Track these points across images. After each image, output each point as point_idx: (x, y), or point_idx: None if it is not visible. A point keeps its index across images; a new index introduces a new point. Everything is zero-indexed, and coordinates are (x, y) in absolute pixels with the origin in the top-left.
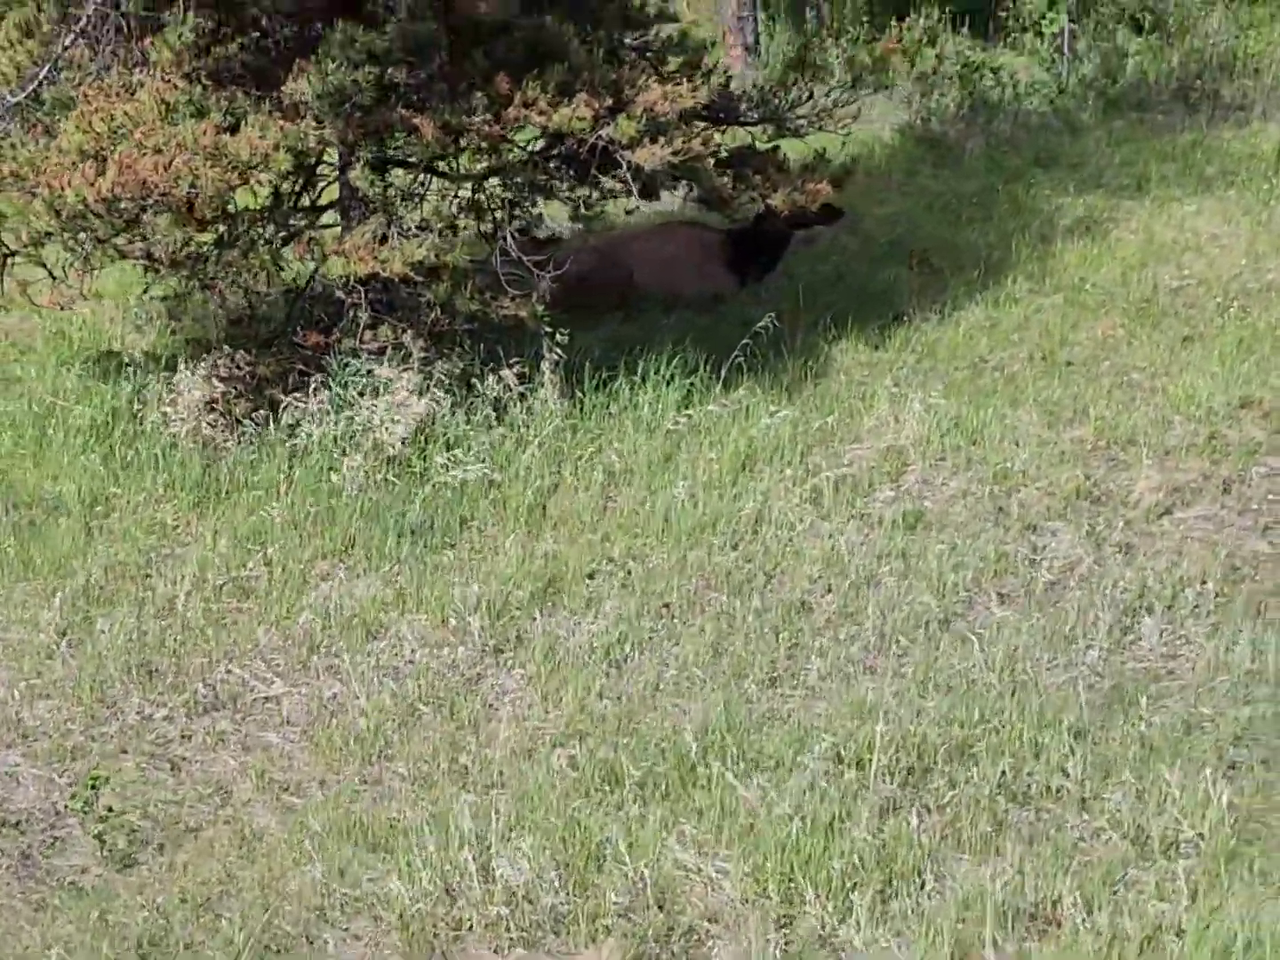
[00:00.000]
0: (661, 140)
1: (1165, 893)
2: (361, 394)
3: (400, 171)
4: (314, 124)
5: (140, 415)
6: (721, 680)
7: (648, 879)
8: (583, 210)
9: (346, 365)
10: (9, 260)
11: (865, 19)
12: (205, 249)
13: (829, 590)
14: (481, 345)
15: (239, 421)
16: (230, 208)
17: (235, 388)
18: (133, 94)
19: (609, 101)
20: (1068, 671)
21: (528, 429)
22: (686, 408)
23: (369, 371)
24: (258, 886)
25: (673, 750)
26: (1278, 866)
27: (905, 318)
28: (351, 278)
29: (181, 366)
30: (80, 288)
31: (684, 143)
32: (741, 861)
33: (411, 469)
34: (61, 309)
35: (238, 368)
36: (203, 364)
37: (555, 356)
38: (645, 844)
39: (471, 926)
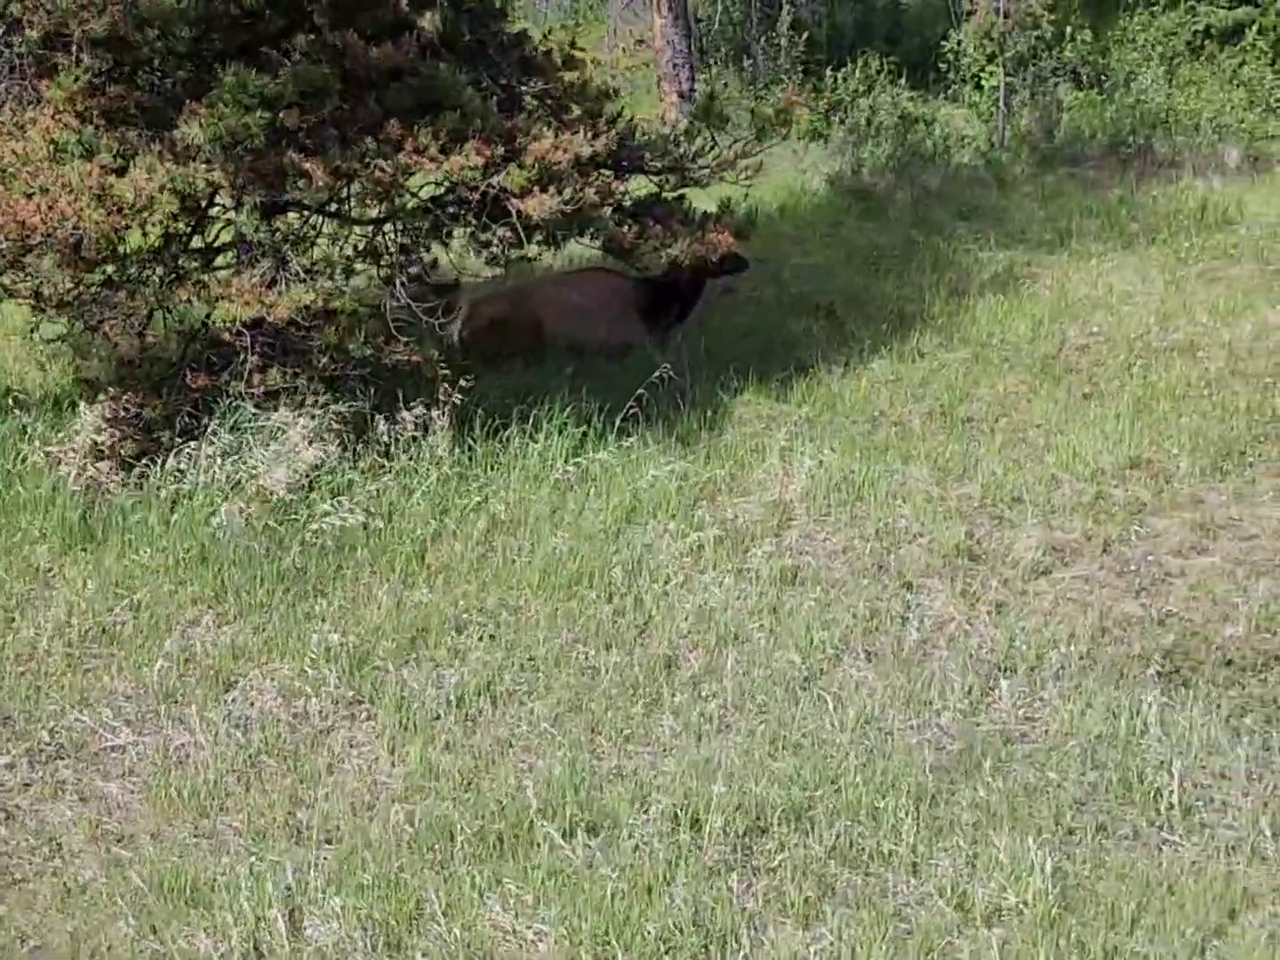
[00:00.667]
0: (552, 190)
1: None
2: (248, 439)
3: (292, 216)
4: (204, 167)
5: (24, 456)
6: (574, 737)
7: (459, 939)
8: (499, 256)
9: (237, 409)
10: None
11: (801, 68)
12: (93, 290)
13: (695, 646)
14: (377, 390)
15: (126, 464)
16: (120, 249)
17: (123, 430)
18: (24, 132)
19: (501, 149)
20: (920, 733)
21: (414, 476)
22: (577, 456)
23: (254, 416)
24: (71, 940)
25: (511, 808)
26: (1094, 935)
27: (809, 370)
28: (238, 321)
29: (69, 408)
30: None
31: (575, 192)
32: (559, 924)
33: (294, 516)
34: None
35: (125, 410)
36: (94, 406)
37: (453, 401)
38: (465, 904)
39: None
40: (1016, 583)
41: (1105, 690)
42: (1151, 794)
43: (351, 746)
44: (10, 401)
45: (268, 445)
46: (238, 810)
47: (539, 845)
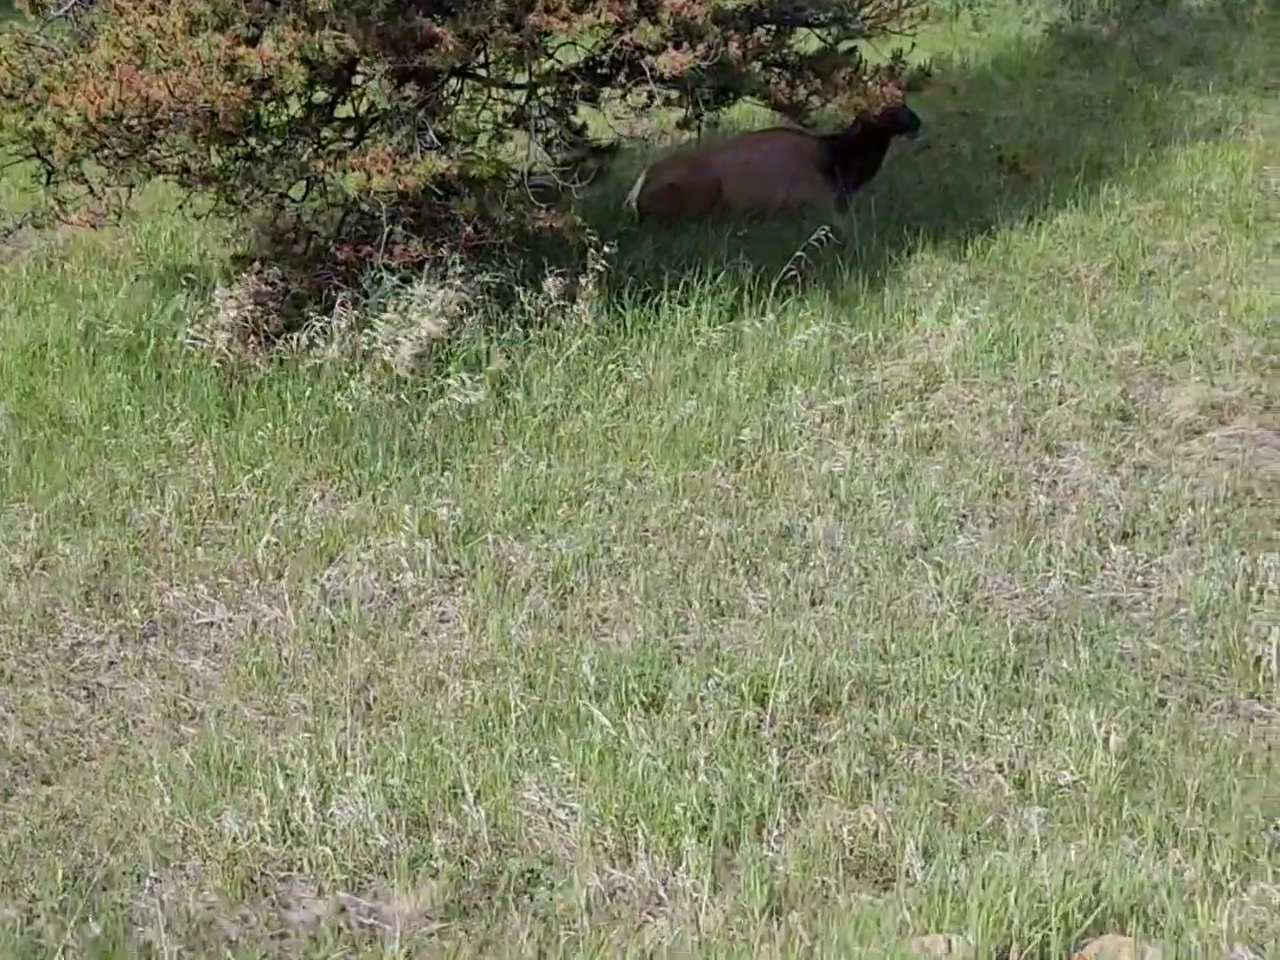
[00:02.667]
0: (685, 45)
1: (1014, 841)
2: (386, 311)
3: (425, 83)
4: (332, 34)
5: (175, 333)
6: (665, 610)
7: (484, 820)
8: (696, 117)
9: (380, 281)
10: (52, 177)
11: None
12: (236, 164)
13: (816, 514)
14: (523, 260)
15: (270, 340)
16: (267, 121)
17: (269, 305)
18: (166, 4)
19: (635, 5)
20: (1024, 601)
21: (555, 346)
22: (730, 321)
23: (394, 289)
24: (111, 821)
25: (570, 684)
26: (1150, 813)
27: (990, 226)
28: (372, 192)
29: (218, 283)
30: (119, 204)
31: (711, 48)
32: (590, 803)
33: (425, 389)
34: (93, 226)
35: (272, 285)
36: (241, 280)
37: (598, 269)
38: (500, 784)
39: (302, 867)
40: (1166, 444)
41: (1229, 555)
42: (1252, 663)
43: (441, 621)
44: (167, 281)
45: (405, 317)
46: (309, 687)
47: (586, 723)
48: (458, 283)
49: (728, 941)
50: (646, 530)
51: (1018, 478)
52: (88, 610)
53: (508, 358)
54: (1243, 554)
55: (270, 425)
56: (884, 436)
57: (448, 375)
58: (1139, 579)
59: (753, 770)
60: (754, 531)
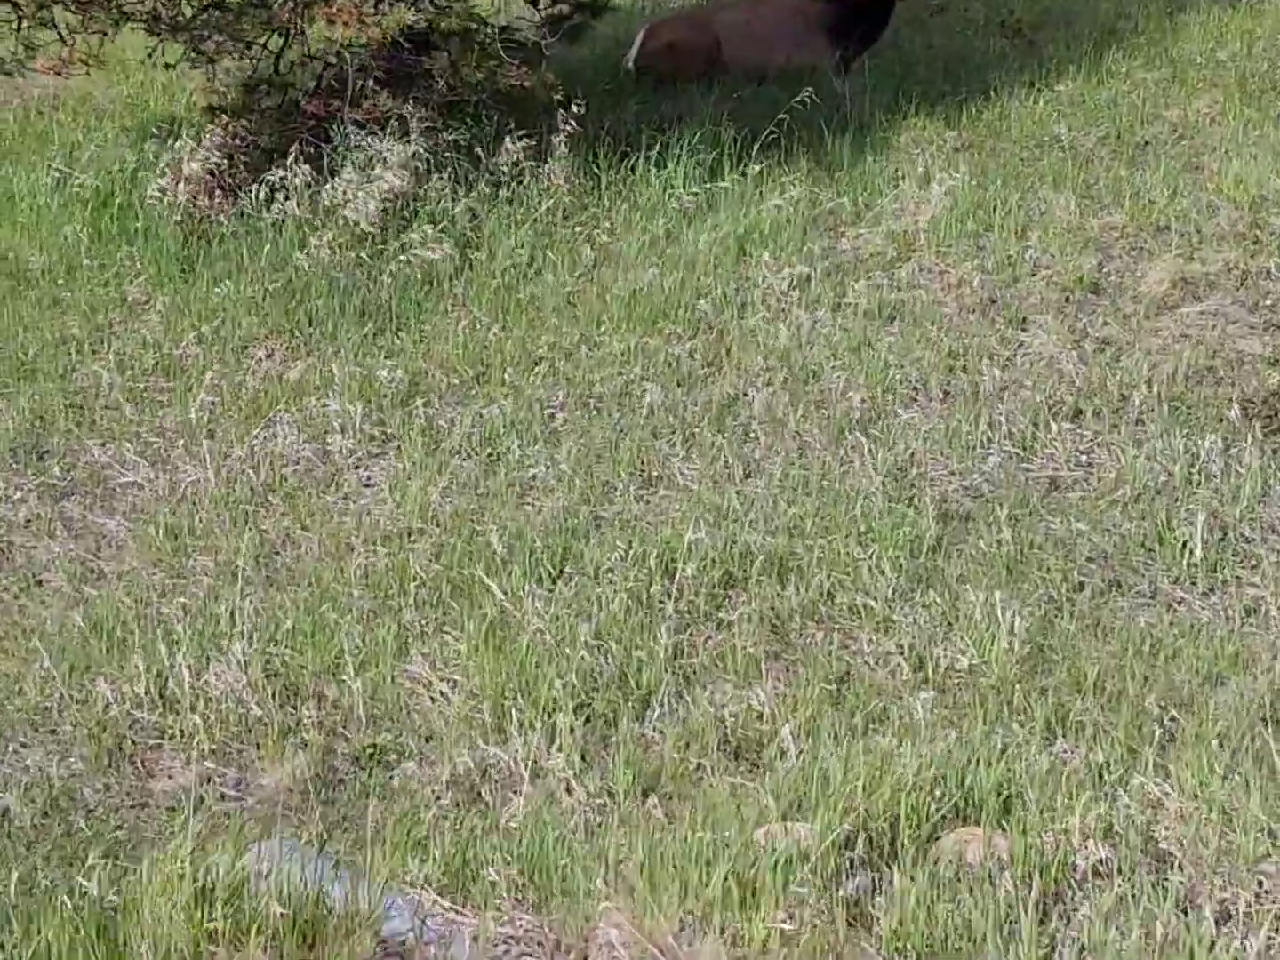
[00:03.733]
0: None
1: (898, 728)
2: (349, 167)
3: None
4: None
5: (141, 185)
6: (592, 480)
7: (361, 692)
8: None
9: (347, 136)
10: (22, 24)
11: None
12: (205, 13)
13: (765, 385)
14: (495, 119)
15: (234, 194)
16: None
17: (236, 158)
18: None
19: None
20: (960, 479)
21: (523, 206)
22: (709, 183)
23: (359, 144)
24: None
25: (476, 556)
26: (1045, 701)
27: (989, 93)
28: (338, 43)
29: (184, 135)
30: (88, 52)
31: None
32: (473, 677)
33: (386, 247)
34: (58, 74)
35: (239, 138)
36: (208, 133)
37: (568, 129)
38: (385, 656)
39: (174, 735)
40: (1135, 319)
41: (1175, 435)
42: (1179, 548)
43: (365, 486)
44: (148, 133)
45: (367, 173)
46: (218, 550)
47: (489, 596)
48: (421, 139)
49: (584, 822)
50: (590, 397)
51: (975, 351)
52: (13, 467)
53: (473, 216)
54: (1189, 435)
55: (227, 282)
56: (847, 306)
57: (411, 232)
58: (1082, 458)
59: (645, 647)
60: (698, 401)
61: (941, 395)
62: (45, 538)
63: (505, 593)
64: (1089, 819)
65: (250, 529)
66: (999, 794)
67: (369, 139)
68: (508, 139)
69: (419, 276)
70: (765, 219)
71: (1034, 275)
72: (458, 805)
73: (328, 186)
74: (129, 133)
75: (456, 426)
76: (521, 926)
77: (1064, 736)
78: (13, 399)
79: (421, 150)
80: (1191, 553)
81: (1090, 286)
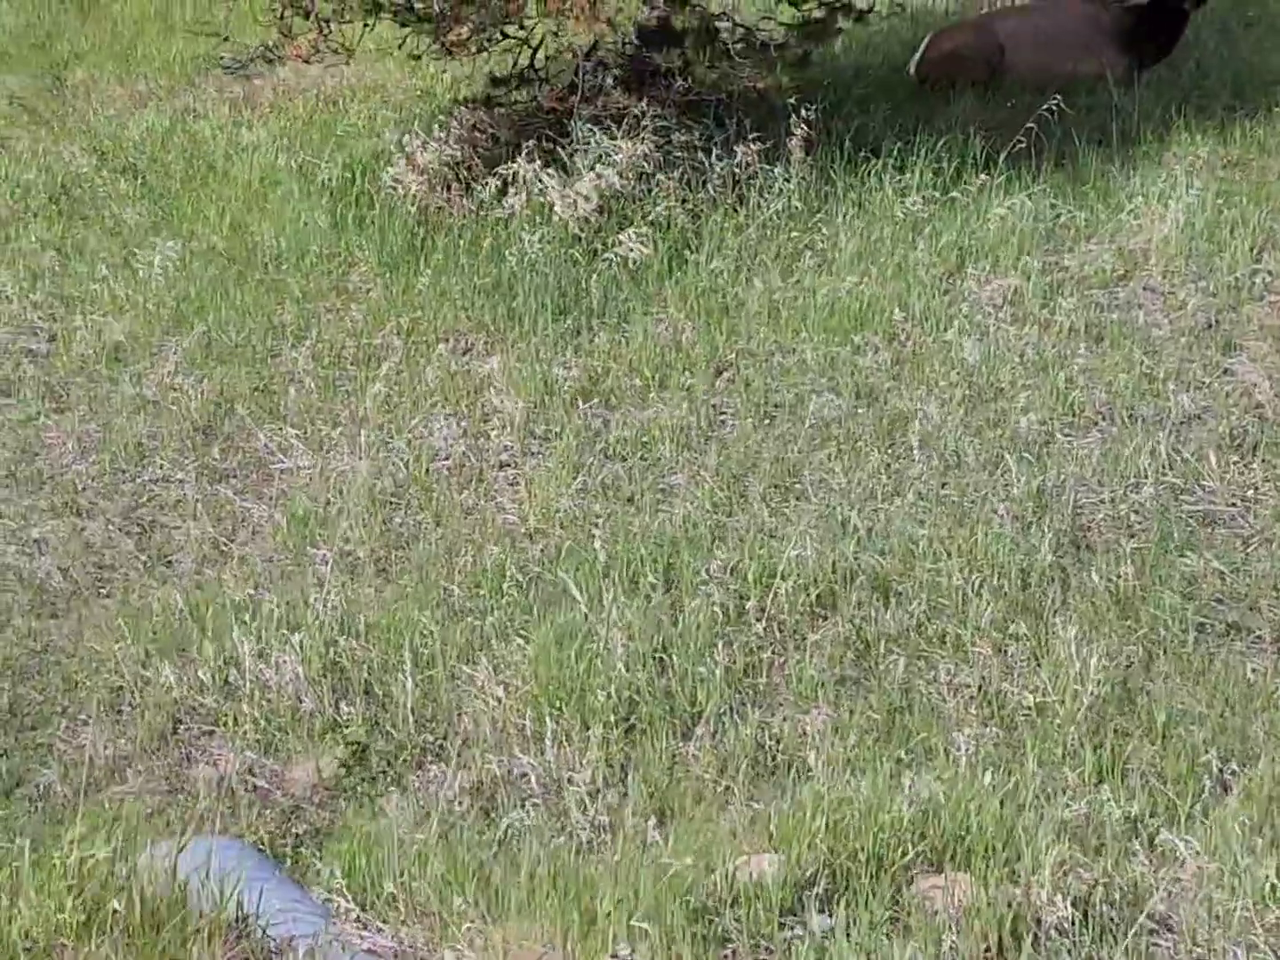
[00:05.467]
0: None
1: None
2: (576, 164)
3: None
4: None
5: (379, 175)
6: (735, 490)
7: (411, 691)
8: None
9: (582, 134)
10: (284, 13)
11: None
12: (451, 6)
13: (944, 402)
14: (730, 120)
15: (469, 188)
16: None
17: (475, 150)
18: None
19: None
20: (1107, 508)
21: (748, 211)
22: (943, 194)
23: (586, 140)
24: (83, 659)
25: (582, 561)
26: (1103, 741)
27: (1276, 109)
28: (574, 37)
29: (419, 126)
30: (340, 41)
31: None
32: (529, 684)
33: (597, 245)
34: (306, 61)
35: (481, 131)
36: (449, 125)
37: (799, 133)
38: (449, 655)
39: (226, 723)
40: None
41: None
42: None
43: (510, 485)
44: (381, 120)
45: (590, 169)
46: (345, 540)
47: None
48: (652, 137)
49: (579, 841)
50: (766, 406)
51: (1174, 377)
52: (183, 448)
53: (694, 218)
54: None
55: (446, 275)
56: (1054, 324)
57: (626, 231)
58: (1248, 494)
59: (707, 664)
60: (871, 416)
61: (1124, 421)
62: (188, 519)
63: (589, 599)
64: (1058, 874)
65: (380, 521)
66: (997, 842)
67: (601, 137)
68: (741, 141)
69: (627, 276)
70: (991, 230)
71: (1260, 300)
72: (464, 814)
73: (553, 183)
74: (402, 124)
75: (613, 429)
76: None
77: (1109, 783)
78: (208, 380)
79: (651, 149)
80: None
81: None
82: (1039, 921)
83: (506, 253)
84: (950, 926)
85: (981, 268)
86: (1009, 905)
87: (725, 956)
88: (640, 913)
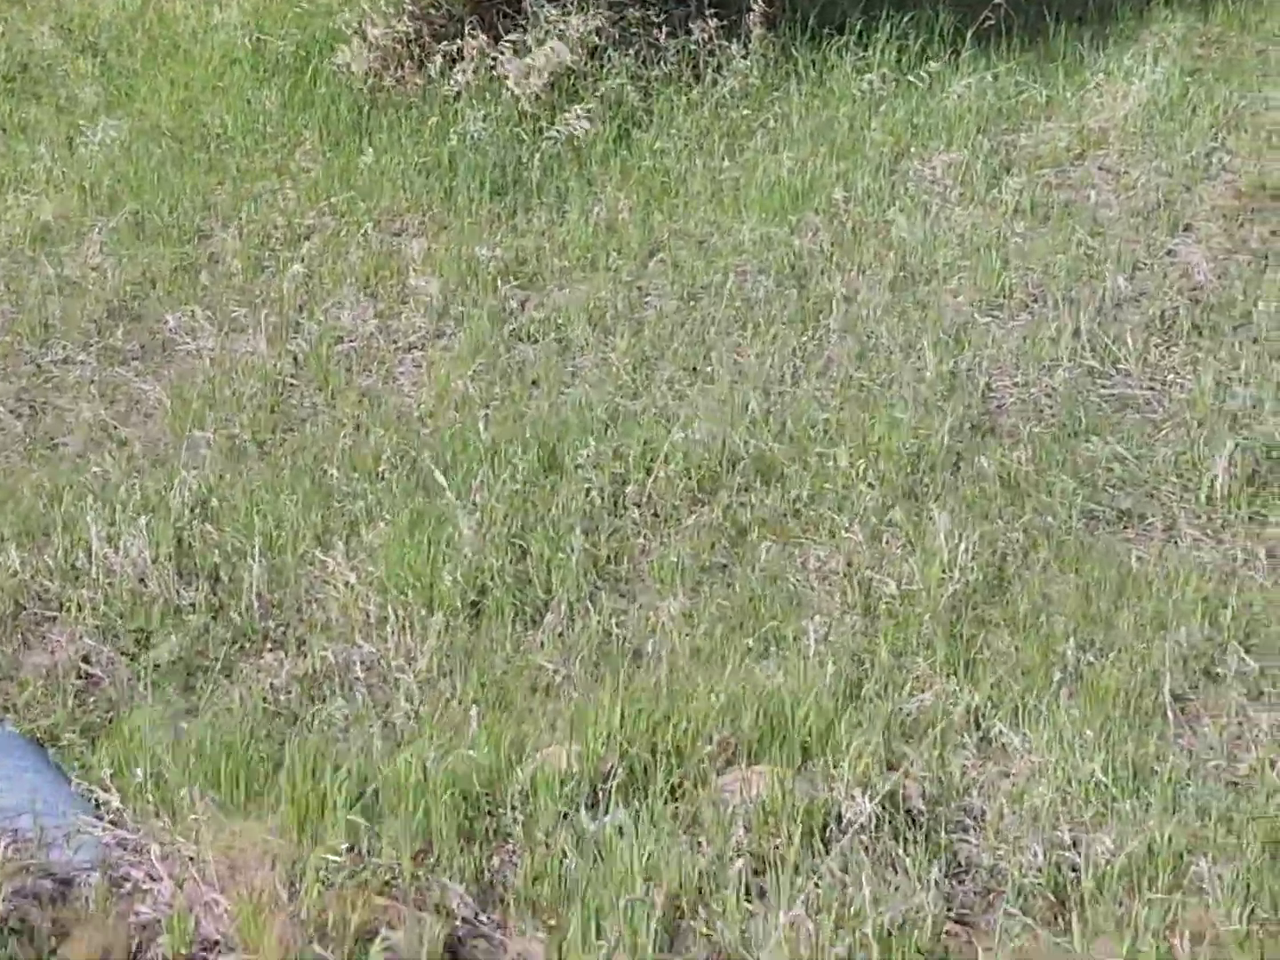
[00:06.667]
0: None
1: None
2: (528, 41)
3: None
4: None
5: (334, 50)
6: (642, 373)
7: (259, 577)
8: None
9: (541, 7)
10: None
11: None
12: None
13: (874, 285)
14: None
15: (421, 65)
16: None
17: (426, 26)
18: None
19: None
20: (1019, 392)
21: (700, 86)
22: (904, 71)
23: (539, 13)
24: None
25: (466, 445)
26: (962, 629)
27: None
28: None
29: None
30: None
31: None
32: (380, 570)
33: (544, 123)
34: None
35: (434, 6)
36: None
37: (757, 7)
38: (303, 540)
39: (70, 608)
40: None
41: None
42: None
43: (416, 367)
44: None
45: (542, 45)
46: (227, 424)
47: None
48: (605, 12)
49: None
50: (695, 288)
51: (1114, 258)
52: (90, 330)
53: (645, 96)
54: None
55: (389, 155)
56: (1001, 203)
57: (573, 108)
58: (1169, 377)
59: (565, 551)
60: (799, 298)
61: (1056, 303)
62: (83, 401)
63: (459, 483)
64: (870, 768)
65: (272, 403)
66: (813, 736)
67: (553, 11)
68: (700, 18)
69: (571, 155)
70: (948, 107)
71: (1215, 180)
72: (290, 704)
73: (505, 58)
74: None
75: (530, 310)
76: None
77: (957, 675)
78: (130, 261)
79: (605, 24)
80: (1213, 486)
81: (1275, 193)
82: (840, 818)
83: (451, 131)
84: (740, 821)
85: (933, 146)
86: (809, 800)
87: (501, 851)
88: (411, 804)
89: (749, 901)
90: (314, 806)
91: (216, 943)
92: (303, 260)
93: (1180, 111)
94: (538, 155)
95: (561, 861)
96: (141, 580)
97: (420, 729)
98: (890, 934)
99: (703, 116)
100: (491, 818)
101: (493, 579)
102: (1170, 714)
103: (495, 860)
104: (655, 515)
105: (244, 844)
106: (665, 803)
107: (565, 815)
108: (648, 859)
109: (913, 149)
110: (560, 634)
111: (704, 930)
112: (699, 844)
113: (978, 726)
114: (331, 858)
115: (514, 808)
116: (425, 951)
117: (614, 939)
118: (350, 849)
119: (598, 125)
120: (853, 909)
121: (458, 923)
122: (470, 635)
